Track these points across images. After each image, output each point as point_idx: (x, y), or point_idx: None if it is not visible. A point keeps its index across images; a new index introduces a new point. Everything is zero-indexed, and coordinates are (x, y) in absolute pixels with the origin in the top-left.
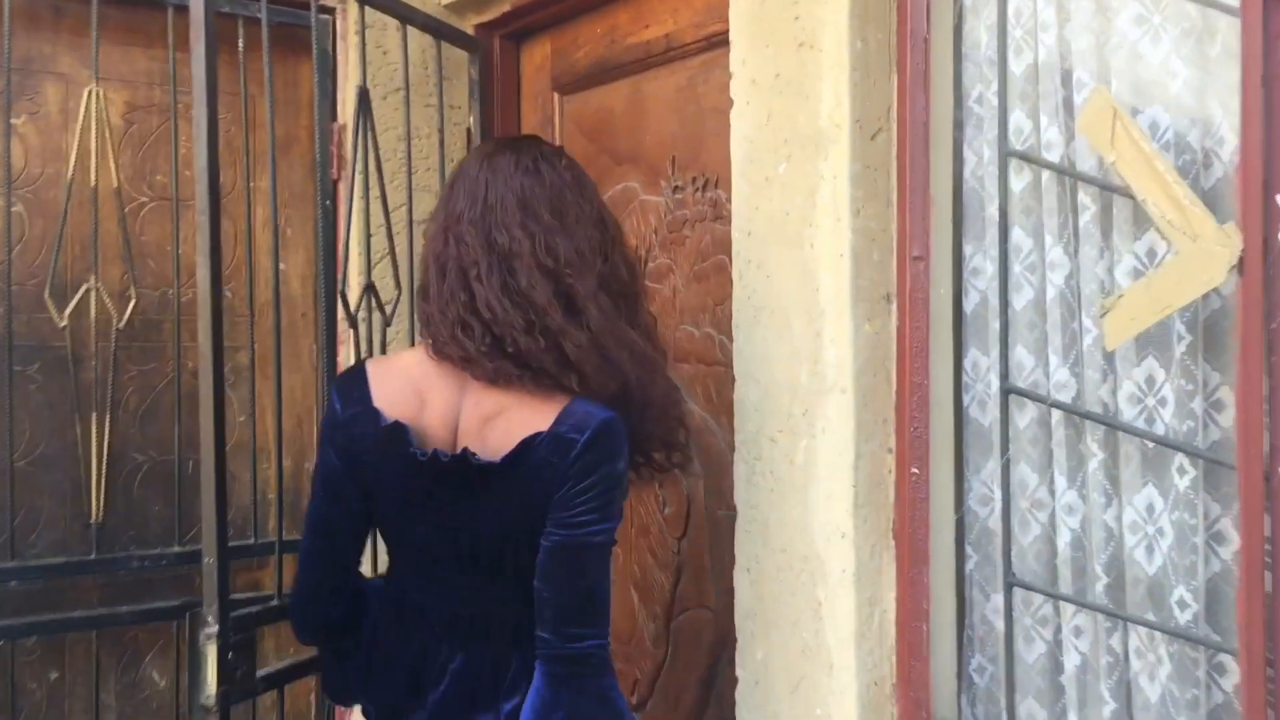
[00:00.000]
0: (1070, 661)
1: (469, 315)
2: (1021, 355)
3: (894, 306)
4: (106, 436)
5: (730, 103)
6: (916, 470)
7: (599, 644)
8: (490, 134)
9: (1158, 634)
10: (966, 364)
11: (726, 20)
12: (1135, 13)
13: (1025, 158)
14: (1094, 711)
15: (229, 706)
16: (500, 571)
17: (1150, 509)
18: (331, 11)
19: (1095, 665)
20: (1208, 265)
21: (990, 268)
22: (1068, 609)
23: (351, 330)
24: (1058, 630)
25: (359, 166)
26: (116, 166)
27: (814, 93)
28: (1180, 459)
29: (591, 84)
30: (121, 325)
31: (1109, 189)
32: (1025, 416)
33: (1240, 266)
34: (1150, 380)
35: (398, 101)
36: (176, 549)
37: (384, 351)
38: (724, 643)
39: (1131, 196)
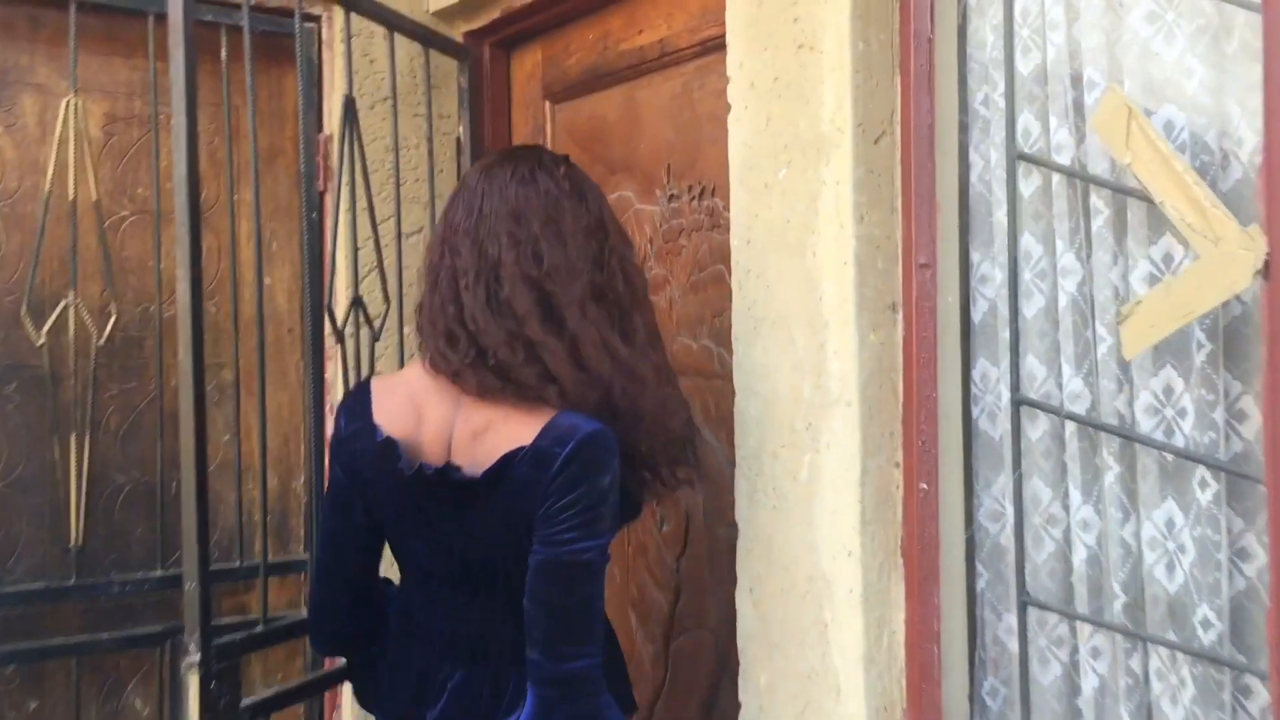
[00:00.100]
0: (1088, 684)
1: (456, 327)
2: (1033, 365)
3: (900, 316)
4: (86, 457)
5: (727, 108)
6: (925, 485)
7: (591, 664)
8: (480, 144)
9: (1180, 655)
10: (975, 375)
11: (722, 24)
12: (1147, 9)
13: (1034, 161)
14: None
15: None
16: (493, 589)
17: (1170, 524)
18: (317, 20)
19: (1114, 688)
20: (1231, 269)
21: (999, 275)
22: (1084, 629)
23: (339, 346)
24: (1074, 651)
25: (345, 178)
26: (96, 179)
27: (815, 96)
28: (1201, 472)
29: (584, 91)
30: (101, 342)
31: (1123, 192)
32: (1037, 429)
33: (1265, 270)
34: (1168, 390)
35: (385, 111)
36: (159, 573)
37: (372, 367)
38: (725, 665)
39: (1148, 199)
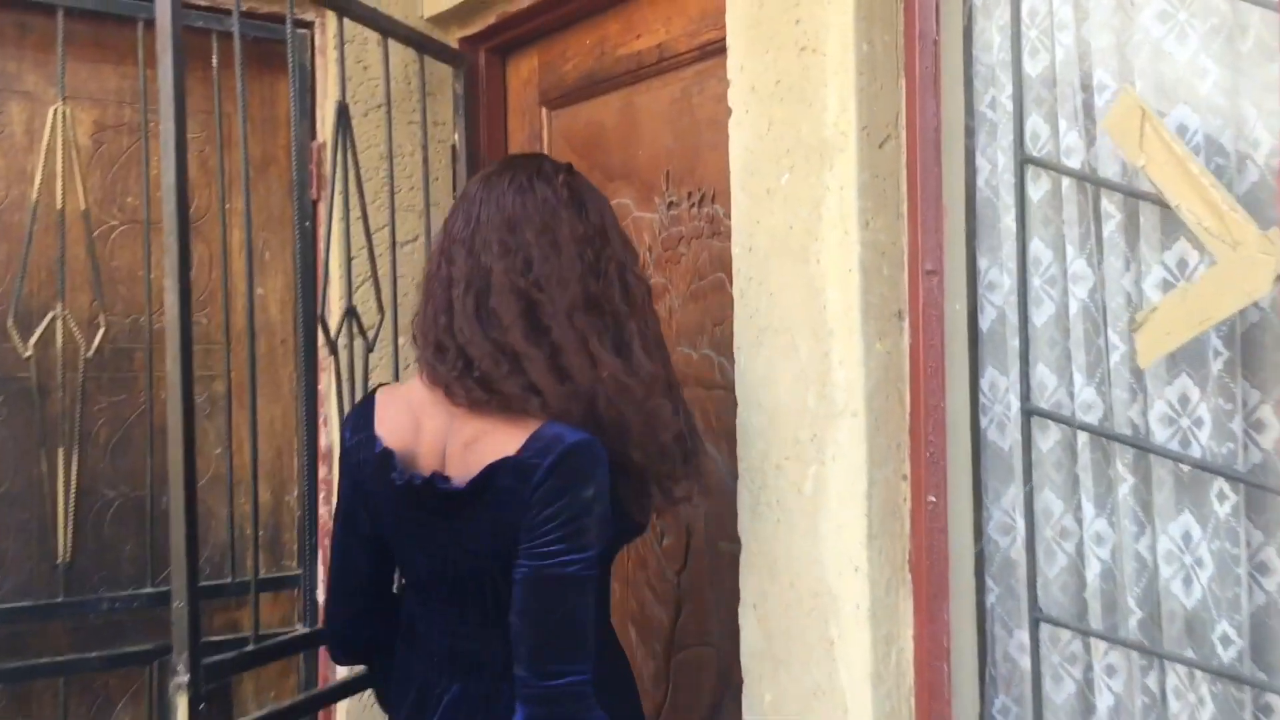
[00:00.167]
0: (1103, 702)
1: (445, 337)
2: (1043, 374)
3: (906, 324)
4: (75, 472)
5: (728, 113)
6: (934, 498)
7: (580, 680)
8: (476, 152)
9: (1198, 672)
10: (983, 384)
11: (722, 28)
12: (1159, 9)
13: (1043, 164)
14: None
15: None
16: (484, 602)
17: (1187, 537)
18: (309, 26)
19: (1130, 706)
20: (1250, 275)
21: (1007, 281)
22: (1099, 646)
23: (332, 357)
24: (1088, 668)
25: (339, 186)
26: (84, 188)
27: (818, 99)
28: (1219, 484)
29: (581, 98)
30: (90, 354)
31: (1136, 196)
32: (1048, 439)
33: None
34: (1184, 399)
35: (379, 118)
36: (149, 590)
37: (366, 378)
38: (728, 682)
39: (1163, 203)
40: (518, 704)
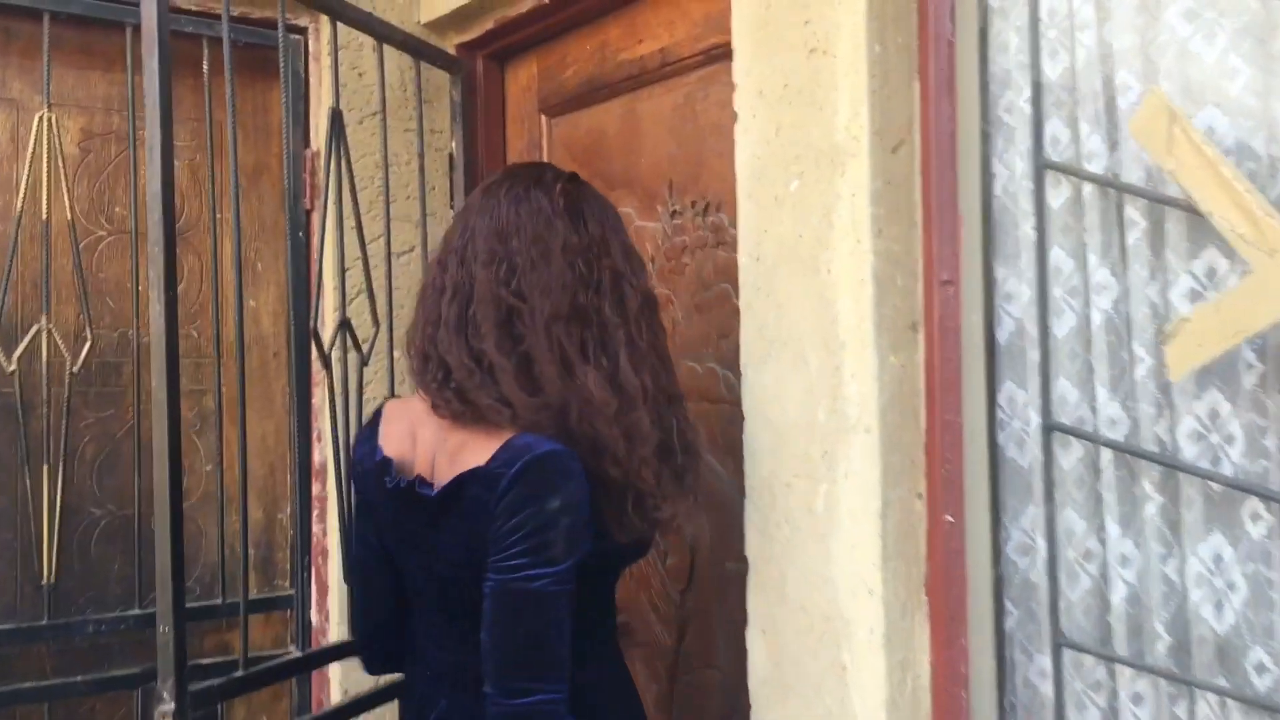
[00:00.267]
0: None
1: (430, 347)
2: (1064, 388)
3: (921, 336)
4: (60, 490)
5: (733, 119)
6: (951, 518)
7: (548, 699)
8: (473, 160)
9: (1230, 701)
10: (1001, 399)
11: (726, 32)
12: (1185, 7)
13: (1064, 170)
14: None
15: None
16: (464, 614)
17: (1218, 559)
18: (303, 32)
19: None
20: None
21: (1026, 292)
22: (1125, 673)
23: (326, 370)
24: (1114, 696)
25: (333, 195)
26: (71, 198)
27: (828, 103)
28: (1253, 503)
29: (581, 105)
30: (76, 369)
31: (1161, 202)
32: (1070, 456)
33: None
34: (1214, 414)
35: (374, 126)
36: (137, 611)
37: (360, 392)
38: (735, 707)
39: (1190, 209)
40: None
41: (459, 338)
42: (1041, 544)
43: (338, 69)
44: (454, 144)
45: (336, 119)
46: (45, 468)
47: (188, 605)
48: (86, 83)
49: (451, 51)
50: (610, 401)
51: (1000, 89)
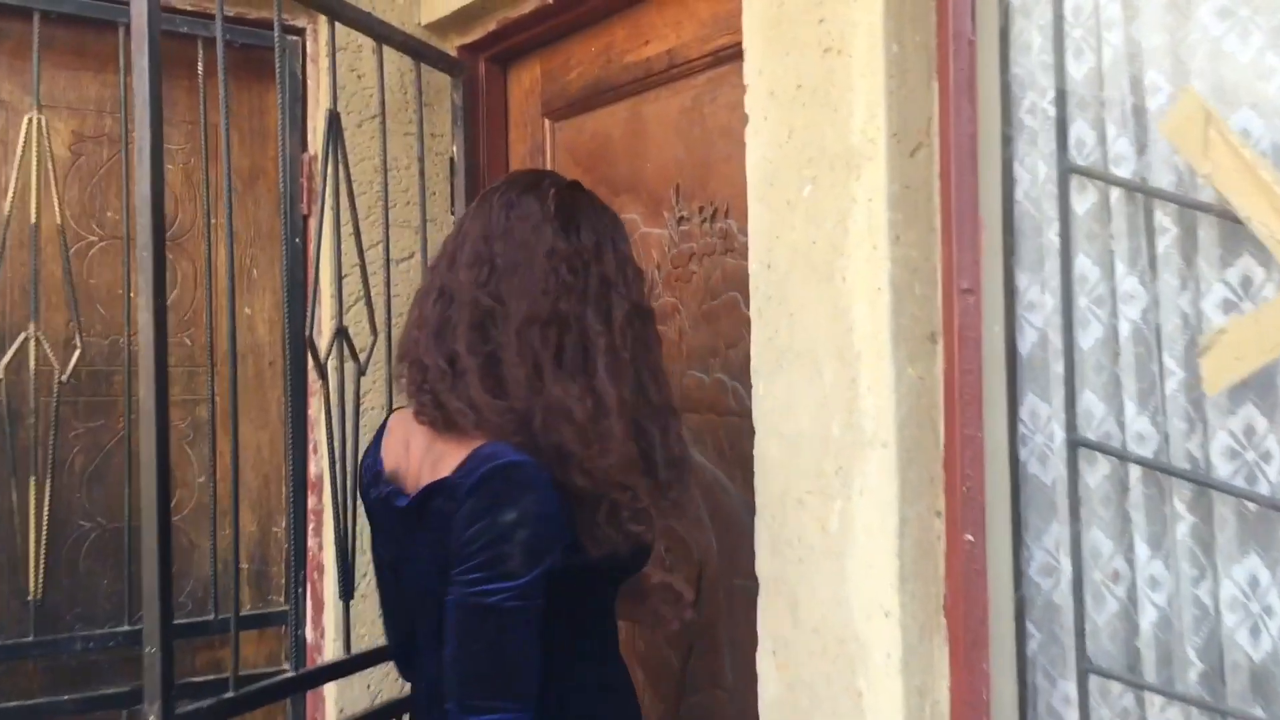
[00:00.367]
0: None
1: (413, 349)
2: (1089, 402)
3: (940, 347)
4: (47, 502)
5: (742, 121)
6: (971, 537)
7: (508, 719)
8: (475, 165)
9: None
10: (1023, 413)
11: (735, 32)
12: (1218, 5)
13: (1089, 174)
14: None
15: None
16: (440, 629)
17: (1254, 583)
18: (300, 32)
19: None
20: None
21: (1050, 301)
22: (1154, 700)
23: (322, 380)
24: None
25: (330, 200)
26: (61, 202)
27: (843, 104)
28: None
29: (586, 108)
30: (65, 378)
31: (1193, 207)
32: (1096, 473)
33: None
34: (1249, 430)
35: (373, 129)
36: (127, 628)
37: (358, 403)
38: None
39: (1225, 215)
40: None
41: (437, 340)
42: (1066, 565)
43: (335, 70)
44: (455, 148)
45: (334, 121)
46: (32, 479)
47: (179, 621)
48: (78, 84)
49: (453, 53)
50: (578, 408)
51: (1022, 90)
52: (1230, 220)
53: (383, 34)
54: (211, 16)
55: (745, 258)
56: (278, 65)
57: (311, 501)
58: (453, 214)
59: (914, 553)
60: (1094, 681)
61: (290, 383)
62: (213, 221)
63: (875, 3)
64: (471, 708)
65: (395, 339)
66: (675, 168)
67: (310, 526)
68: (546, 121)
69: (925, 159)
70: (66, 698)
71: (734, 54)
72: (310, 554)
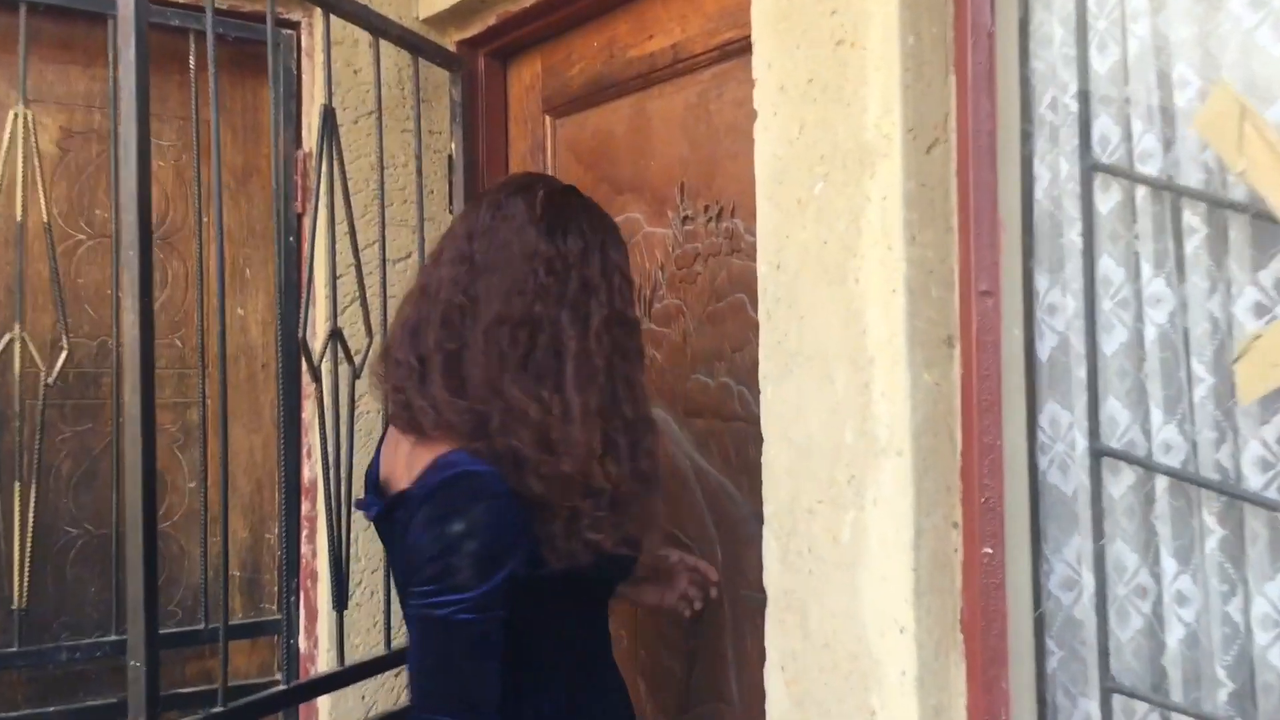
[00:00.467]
0: None
1: (392, 349)
2: (1113, 409)
3: (957, 351)
4: (33, 508)
5: (749, 118)
6: (990, 550)
7: None
8: (474, 162)
9: None
10: (1042, 420)
11: (742, 26)
12: None
13: (1114, 172)
14: None
15: None
16: None
17: None
18: (295, 26)
19: None
20: None
21: (1071, 304)
22: None
23: (316, 383)
24: None
25: (325, 199)
26: (48, 199)
27: (857, 99)
28: None
29: (588, 104)
30: (52, 380)
31: (1224, 206)
32: (1120, 484)
33: None
34: None
35: (370, 126)
36: (114, 637)
37: (352, 406)
38: None
39: (1260, 214)
40: None
41: (412, 338)
42: (1088, 578)
43: (330, 65)
44: (453, 145)
45: (329, 117)
46: (17, 485)
47: (168, 630)
48: (66, 78)
49: (451, 48)
50: (536, 411)
51: (1043, 84)
52: (1265, 219)
53: (379, 28)
54: (203, 9)
55: (752, 258)
56: (271, 60)
57: (305, 507)
58: (451, 213)
59: (930, 565)
60: (1117, 701)
61: (283, 385)
62: (204, 220)
63: None
64: None
65: None
66: (680, 166)
67: (304, 533)
68: (547, 118)
69: (942, 156)
70: (53, 709)
71: (741, 48)
72: (304, 561)
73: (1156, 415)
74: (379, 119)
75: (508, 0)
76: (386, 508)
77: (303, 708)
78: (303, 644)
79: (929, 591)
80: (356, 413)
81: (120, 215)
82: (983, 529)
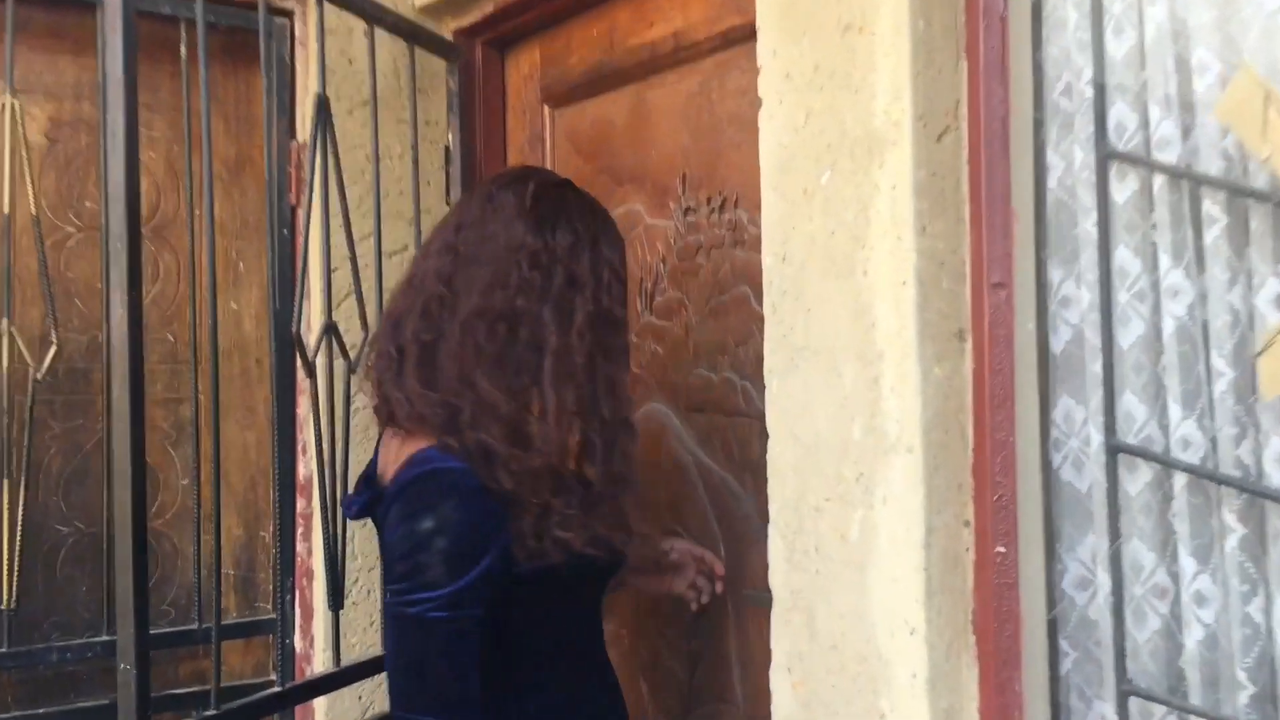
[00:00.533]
0: None
1: (376, 342)
2: (1129, 404)
3: (968, 345)
4: (22, 506)
5: (753, 106)
6: (1003, 549)
7: None
8: (471, 154)
9: None
10: (1056, 415)
11: (745, 12)
12: None
13: (1130, 160)
14: None
15: None
16: None
17: None
18: (289, 14)
19: None
20: None
21: (1086, 296)
22: None
23: (310, 379)
24: None
25: (319, 191)
26: (37, 191)
27: (865, 85)
28: None
29: (587, 94)
30: (41, 375)
31: (1246, 195)
32: (1137, 481)
33: None
34: None
35: (365, 116)
36: (106, 637)
37: (348, 402)
38: None
39: None
40: None
41: (394, 330)
42: (1103, 578)
43: (324, 53)
44: (451, 136)
45: (323, 106)
46: (6, 482)
47: (161, 631)
48: (55, 67)
49: (448, 37)
50: (507, 406)
51: (1057, 71)
52: None
53: (374, 16)
54: None
55: (756, 250)
56: (263, 48)
57: (300, 505)
58: (448, 205)
59: (941, 565)
60: (1134, 704)
61: (277, 381)
62: (196, 212)
63: None
64: (402, 719)
65: None
66: (682, 156)
67: (299, 531)
68: (546, 108)
69: (953, 144)
70: (43, 711)
71: (745, 35)
72: (299, 560)
73: (1175, 410)
74: (374, 109)
75: None
76: (367, 505)
77: (299, 708)
78: (298, 643)
79: (940, 592)
80: (352, 408)
81: (108, 206)
82: (995, 527)
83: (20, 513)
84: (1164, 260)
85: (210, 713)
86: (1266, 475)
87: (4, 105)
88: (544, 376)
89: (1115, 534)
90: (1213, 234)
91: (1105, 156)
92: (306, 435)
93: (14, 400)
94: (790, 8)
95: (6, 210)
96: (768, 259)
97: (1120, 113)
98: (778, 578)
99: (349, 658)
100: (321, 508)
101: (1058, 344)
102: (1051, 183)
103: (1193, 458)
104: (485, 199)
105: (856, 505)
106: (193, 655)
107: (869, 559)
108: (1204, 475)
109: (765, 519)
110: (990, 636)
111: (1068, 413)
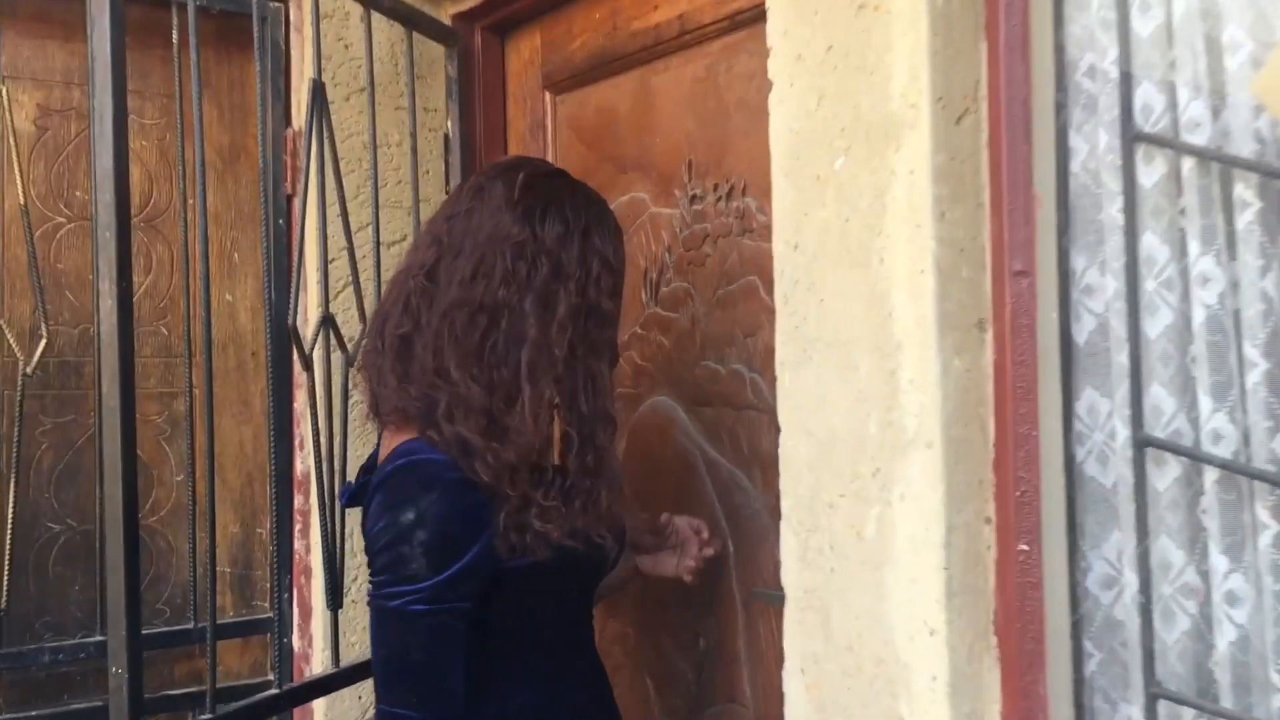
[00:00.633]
0: None
1: (367, 334)
2: (1157, 396)
3: (989, 336)
4: (12, 503)
5: (762, 90)
6: (1026, 547)
7: None
8: (471, 141)
9: None
10: (1079, 408)
11: None
12: None
13: (1158, 142)
14: None
15: None
16: None
17: None
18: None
19: None
20: None
21: (1111, 285)
22: None
23: (307, 372)
24: None
25: (316, 179)
26: (25, 180)
27: (881, 66)
28: None
29: (590, 80)
30: (31, 369)
31: None
32: (1165, 476)
33: None
34: None
35: (362, 103)
36: (99, 638)
37: (345, 395)
38: None
39: None
40: None
41: (382, 322)
42: (1130, 577)
43: (320, 36)
44: (450, 123)
45: (318, 92)
46: None
47: (156, 630)
48: (44, 53)
49: (447, 22)
50: (482, 398)
51: (1080, 50)
52: None
53: (371, 0)
54: None
55: (765, 239)
56: (257, 32)
57: (298, 501)
58: (447, 194)
59: (962, 564)
60: (1163, 706)
61: (273, 374)
62: (189, 202)
63: None
64: (390, 714)
65: None
66: (687, 143)
67: (296, 528)
68: (547, 94)
69: (972, 127)
70: (35, 713)
71: (753, 17)
72: (296, 557)
73: (1205, 403)
74: (371, 96)
75: None
76: (356, 492)
77: (296, 712)
78: (296, 643)
79: (961, 592)
80: (350, 402)
81: (97, 195)
82: (1018, 525)
83: (10, 510)
84: (1193, 246)
85: (206, 716)
86: None
87: None
88: (521, 369)
89: (1143, 531)
90: (1245, 219)
91: (1131, 139)
92: (304, 430)
93: (4, 394)
94: None
95: None
96: (779, 248)
97: (1147, 93)
98: (790, 576)
99: (348, 657)
100: (319, 504)
101: (1081, 334)
102: (1074, 167)
103: (1224, 452)
104: (475, 190)
105: (873, 502)
106: (189, 655)
107: (886, 557)
108: (1236, 470)
109: (775, 515)
110: (1013, 638)
111: (1092, 405)
